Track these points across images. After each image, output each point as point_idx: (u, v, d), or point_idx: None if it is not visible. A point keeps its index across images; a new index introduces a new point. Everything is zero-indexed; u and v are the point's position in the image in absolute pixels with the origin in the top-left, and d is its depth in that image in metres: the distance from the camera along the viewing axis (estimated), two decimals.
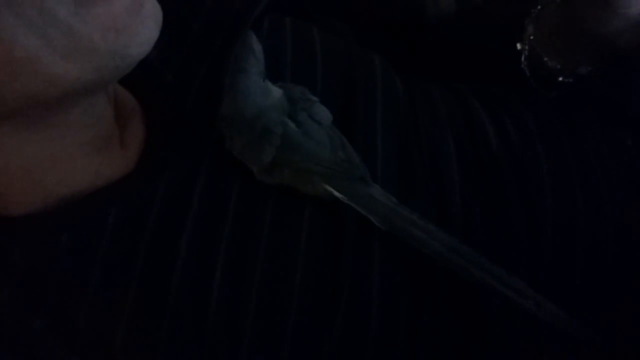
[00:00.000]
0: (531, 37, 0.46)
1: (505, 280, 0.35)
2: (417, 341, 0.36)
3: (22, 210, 0.34)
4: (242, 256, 0.35)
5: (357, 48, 0.47)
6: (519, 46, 0.46)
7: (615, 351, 0.37)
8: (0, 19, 0.26)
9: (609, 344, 0.36)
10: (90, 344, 0.32)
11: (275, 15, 0.45)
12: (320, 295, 0.35)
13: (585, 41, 0.43)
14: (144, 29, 0.30)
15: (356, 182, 0.37)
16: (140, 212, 0.35)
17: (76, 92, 0.30)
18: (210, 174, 0.37)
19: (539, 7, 0.47)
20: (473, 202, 0.39)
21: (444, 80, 0.49)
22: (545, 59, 0.45)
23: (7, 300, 0.32)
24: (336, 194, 0.37)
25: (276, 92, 0.38)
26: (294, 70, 0.42)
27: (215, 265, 0.34)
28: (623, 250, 0.40)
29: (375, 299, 0.36)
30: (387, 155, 0.41)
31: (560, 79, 0.46)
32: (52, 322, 0.32)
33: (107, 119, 0.37)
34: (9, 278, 0.32)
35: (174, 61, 0.42)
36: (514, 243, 0.39)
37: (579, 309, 0.35)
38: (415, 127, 0.42)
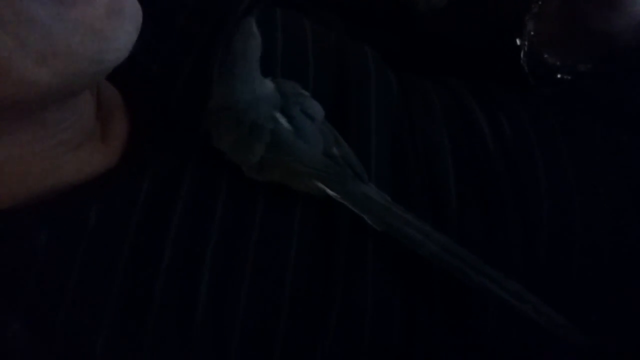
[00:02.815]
0: (531, 33, 0.44)
1: (503, 283, 0.34)
2: (412, 343, 0.35)
3: None
4: (230, 257, 0.33)
5: (350, 41, 0.45)
6: (518, 42, 0.45)
7: (611, 355, 0.36)
8: None
9: (605, 348, 0.35)
10: (68, 348, 0.31)
11: (265, 6, 0.44)
12: (313, 297, 0.34)
13: (587, 39, 0.42)
14: (122, 33, 0.29)
15: (350, 180, 0.35)
16: (123, 211, 0.33)
17: (51, 96, 0.29)
18: (197, 170, 0.35)
19: (539, 2, 0.46)
20: (468, 202, 0.38)
21: (438, 75, 0.48)
22: (545, 55, 0.44)
23: None
24: (329, 192, 0.35)
25: (268, 84, 0.37)
26: (285, 64, 0.41)
27: (202, 267, 0.33)
28: (620, 251, 0.39)
29: (369, 300, 0.34)
30: (381, 153, 0.39)
31: (559, 76, 0.45)
32: (29, 325, 0.30)
33: (88, 115, 0.35)
34: None
35: (159, 53, 0.40)
36: (510, 244, 0.38)
37: (574, 311, 0.34)
38: (410, 123, 0.41)
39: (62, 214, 0.33)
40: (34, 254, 0.31)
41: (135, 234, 0.33)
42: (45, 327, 0.31)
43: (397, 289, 0.35)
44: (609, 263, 0.38)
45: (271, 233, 0.34)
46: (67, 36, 0.27)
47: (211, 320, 0.32)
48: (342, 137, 0.37)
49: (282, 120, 0.35)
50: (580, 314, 0.34)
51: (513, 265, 0.37)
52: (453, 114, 0.42)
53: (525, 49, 0.45)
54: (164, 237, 0.33)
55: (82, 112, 0.34)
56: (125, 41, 0.30)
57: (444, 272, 0.35)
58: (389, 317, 0.35)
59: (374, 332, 0.34)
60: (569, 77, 0.45)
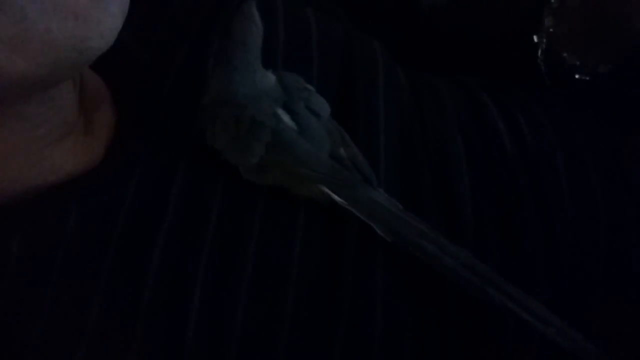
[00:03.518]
0: (550, 30, 0.41)
1: (525, 303, 0.31)
2: None
3: None
4: (225, 270, 0.30)
5: (356, 33, 0.42)
6: (535, 39, 0.42)
7: None
8: None
9: None
10: None
11: None
12: (317, 315, 0.30)
13: (614, 38, 0.39)
14: (107, 16, 0.26)
15: (358, 186, 0.32)
16: (106, 215, 0.30)
17: (27, 87, 0.26)
18: (190, 171, 0.32)
19: (552, 0, 0.43)
20: (485, 212, 0.35)
21: (449, 71, 0.45)
22: (565, 54, 0.41)
23: None
24: (335, 197, 0.32)
25: (270, 77, 0.33)
26: (287, 56, 0.37)
27: (194, 281, 0.29)
28: None
29: (378, 317, 0.31)
30: (390, 155, 0.36)
31: (577, 76, 0.42)
32: None
33: (69, 107, 0.32)
34: None
35: (150, 40, 0.37)
36: (531, 256, 0.35)
37: (602, 332, 0.32)
38: (421, 124, 0.38)
39: (37, 218, 0.30)
40: (5, 264, 0.28)
41: (119, 242, 0.30)
42: (15, 344, 0.27)
43: (408, 304, 0.32)
44: (636, 278, 0.36)
45: (271, 242, 0.31)
46: (44, 20, 0.24)
47: (204, 342, 0.29)
48: (348, 136, 0.34)
49: (285, 118, 0.32)
50: (608, 336, 0.32)
51: (534, 280, 0.34)
52: (467, 113, 0.39)
53: (543, 46, 0.42)
54: (152, 246, 0.30)
55: (62, 104, 0.31)
56: (110, 26, 0.26)
57: (460, 290, 0.32)
58: (399, 334, 0.32)
59: (383, 350, 0.31)
60: (587, 78, 0.42)
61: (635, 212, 0.37)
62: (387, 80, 0.39)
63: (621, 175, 0.38)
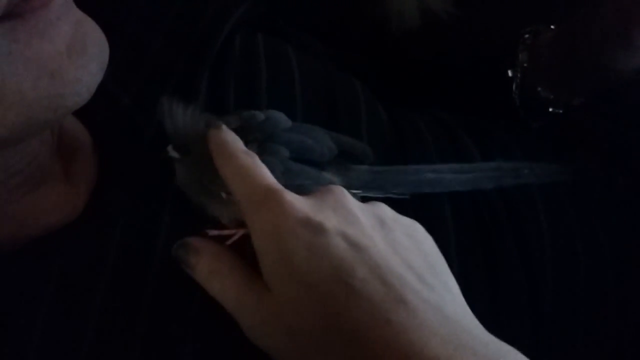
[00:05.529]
0: (525, 65, 0.42)
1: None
2: None
3: None
4: (214, 337, 0.29)
5: (338, 72, 0.42)
6: (510, 73, 0.43)
7: None
8: None
9: None
10: None
11: (246, 32, 0.40)
12: None
13: (586, 72, 0.40)
14: (84, 74, 0.25)
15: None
16: (90, 268, 0.29)
17: None
18: (176, 221, 0.31)
19: (526, 35, 0.44)
20: (468, 250, 0.36)
21: (425, 105, 0.46)
22: (539, 88, 0.42)
23: None
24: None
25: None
26: (270, 98, 0.37)
27: (183, 338, 0.29)
28: (625, 301, 0.37)
29: None
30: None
31: (551, 109, 0.43)
32: None
33: (45, 156, 0.30)
34: None
35: (131, 83, 0.35)
36: (513, 294, 0.35)
37: None
38: (404, 162, 0.38)
39: (15, 273, 0.28)
40: None
41: (104, 297, 0.29)
42: None
43: None
44: (614, 313, 0.37)
45: None
46: (18, 79, 0.23)
47: None
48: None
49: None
50: None
51: (518, 317, 0.35)
52: (450, 155, 0.39)
53: (518, 81, 0.43)
54: (138, 302, 0.29)
55: (36, 154, 0.29)
56: (87, 84, 0.25)
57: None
58: None
59: None
60: (560, 111, 0.43)
61: (612, 251, 0.38)
62: (369, 119, 0.39)
63: (597, 214, 0.39)
